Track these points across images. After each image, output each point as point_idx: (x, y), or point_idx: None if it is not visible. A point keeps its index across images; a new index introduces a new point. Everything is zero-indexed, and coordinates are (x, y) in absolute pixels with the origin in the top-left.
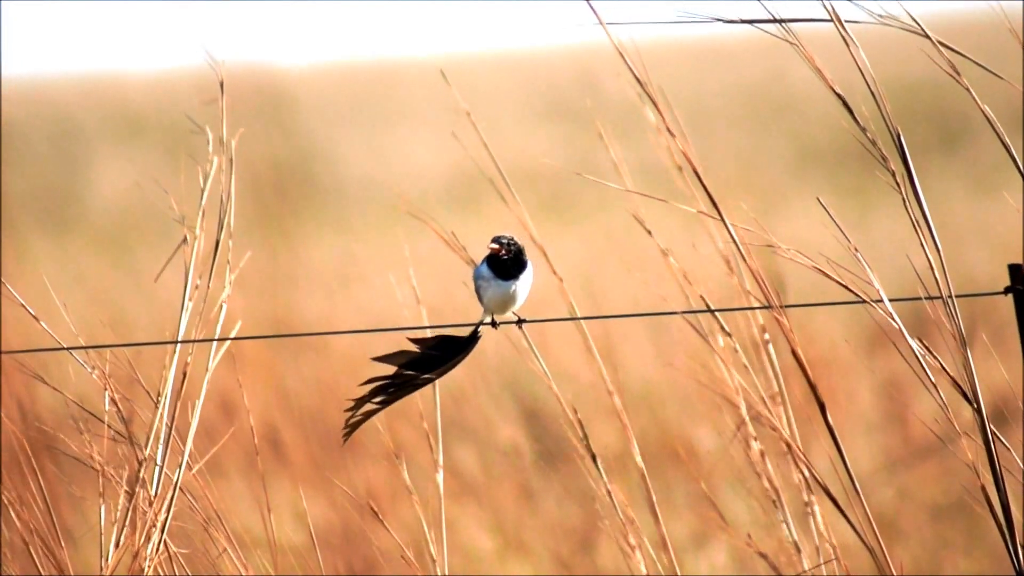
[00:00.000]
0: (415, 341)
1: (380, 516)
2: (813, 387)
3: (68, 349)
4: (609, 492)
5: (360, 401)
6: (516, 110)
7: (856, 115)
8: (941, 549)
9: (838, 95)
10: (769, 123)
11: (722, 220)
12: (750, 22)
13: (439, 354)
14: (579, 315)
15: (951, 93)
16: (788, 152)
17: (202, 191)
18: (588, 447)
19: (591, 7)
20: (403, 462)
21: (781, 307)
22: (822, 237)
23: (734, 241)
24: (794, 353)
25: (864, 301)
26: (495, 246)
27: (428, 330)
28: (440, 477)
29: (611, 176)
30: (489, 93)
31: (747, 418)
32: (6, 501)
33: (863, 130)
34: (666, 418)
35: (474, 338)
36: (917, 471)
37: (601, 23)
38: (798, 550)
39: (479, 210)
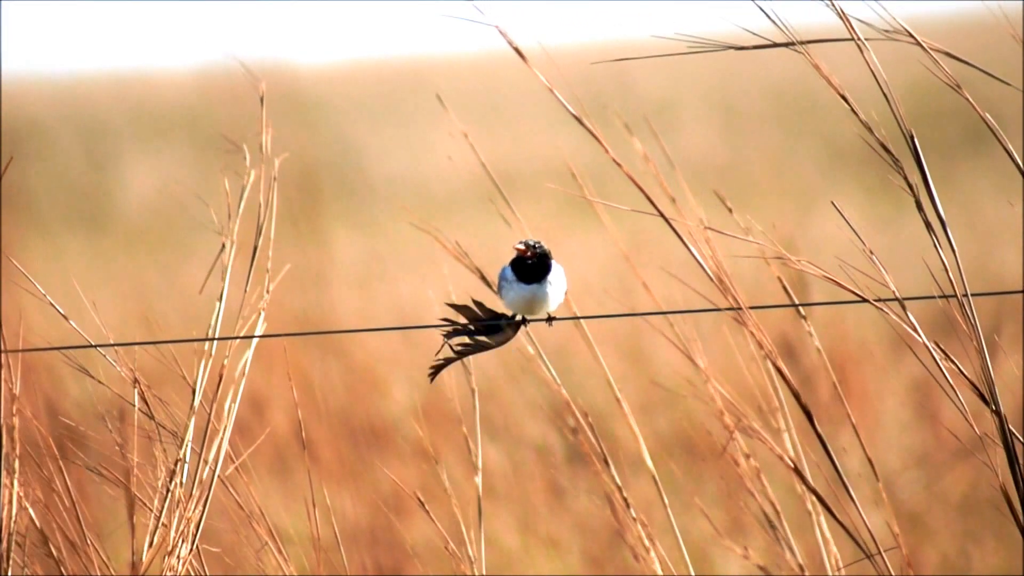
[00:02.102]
0: (476, 303)
1: (424, 507)
2: (797, 395)
3: (96, 346)
4: (624, 497)
5: (449, 334)
6: (545, 107)
7: (870, 119)
8: (969, 544)
9: (844, 99)
10: (799, 122)
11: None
12: (782, 45)
13: (496, 322)
14: (597, 315)
15: (979, 92)
16: (819, 151)
17: (239, 200)
18: (602, 451)
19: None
20: (441, 466)
21: (746, 308)
22: (853, 237)
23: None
24: (776, 367)
25: (864, 300)
26: (521, 247)
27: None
28: (479, 479)
29: (638, 174)
30: (517, 90)
31: (736, 432)
32: (32, 499)
33: (871, 132)
34: (696, 415)
35: (519, 322)
36: (946, 468)
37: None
38: (792, 552)
39: (508, 209)
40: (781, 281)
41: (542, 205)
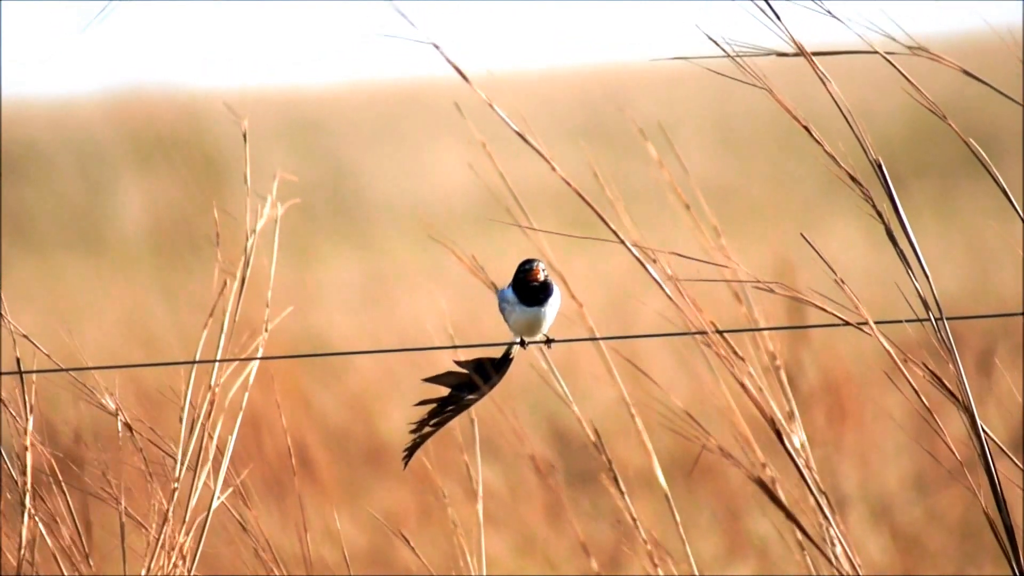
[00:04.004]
0: (459, 363)
1: (408, 540)
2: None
3: (73, 370)
4: (633, 516)
5: (420, 423)
6: (543, 129)
7: (856, 143)
8: (968, 567)
9: (807, 130)
10: (798, 143)
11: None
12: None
13: (481, 375)
14: (602, 335)
15: (980, 111)
16: (818, 171)
17: (247, 239)
18: (612, 470)
19: None
20: (445, 493)
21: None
22: (855, 257)
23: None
24: (742, 384)
25: (845, 324)
26: (534, 271)
27: (457, 350)
28: (480, 507)
29: (640, 195)
30: (516, 112)
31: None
32: (37, 521)
33: (838, 163)
34: (694, 436)
35: (507, 359)
36: (944, 490)
37: None
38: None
39: (508, 230)
40: (791, 300)
41: (541, 225)
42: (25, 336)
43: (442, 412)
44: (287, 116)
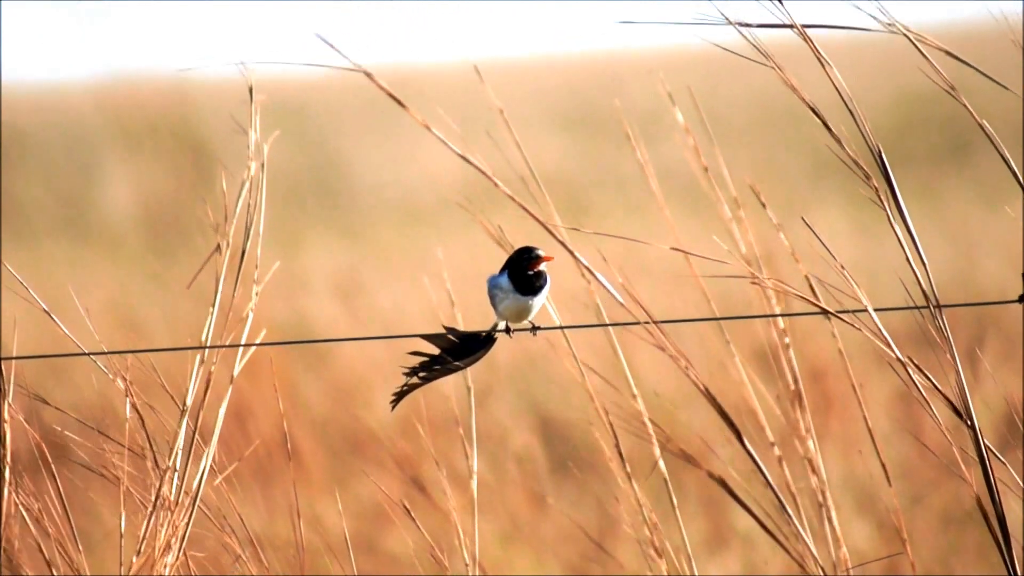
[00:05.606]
0: (449, 330)
1: (408, 515)
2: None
3: (86, 354)
4: (638, 499)
5: (412, 371)
6: (532, 116)
7: (847, 132)
8: (951, 557)
9: (815, 112)
10: (784, 132)
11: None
12: (768, 26)
13: (469, 345)
14: (593, 322)
15: (967, 99)
16: (804, 161)
17: (237, 200)
18: (619, 451)
19: None
20: (440, 471)
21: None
22: (840, 247)
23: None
24: (698, 383)
25: (838, 314)
26: (539, 259)
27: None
28: (474, 483)
29: (629, 183)
30: (505, 99)
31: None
32: (23, 505)
33: (842, 146)
34: (678, 423)
35: (491, 338)
36: (929, 481)
37: None
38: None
39: (495, 218)
40: (773, 293)
41: (536, 210)
42: (48, 313)
43: (430, 368)
44: (274, 103)
